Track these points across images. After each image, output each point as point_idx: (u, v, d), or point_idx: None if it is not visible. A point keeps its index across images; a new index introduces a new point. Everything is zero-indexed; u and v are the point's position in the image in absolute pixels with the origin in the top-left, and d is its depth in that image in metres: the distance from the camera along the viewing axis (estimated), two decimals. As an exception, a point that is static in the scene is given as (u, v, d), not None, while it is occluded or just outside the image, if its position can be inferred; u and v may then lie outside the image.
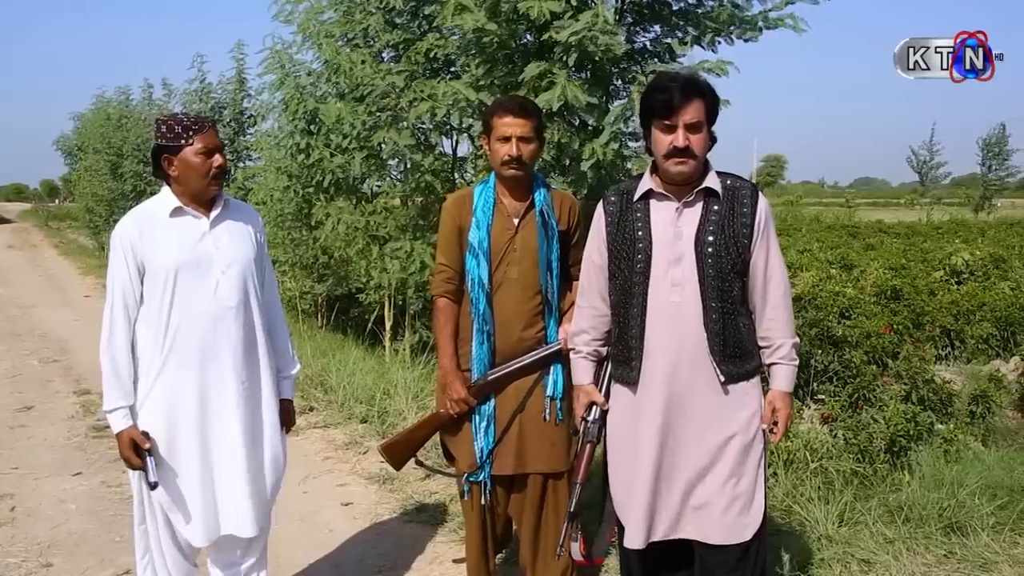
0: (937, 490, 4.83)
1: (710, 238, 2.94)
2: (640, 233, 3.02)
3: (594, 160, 5.55)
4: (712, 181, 2.98)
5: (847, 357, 8.18)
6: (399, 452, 3.83)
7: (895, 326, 9.99)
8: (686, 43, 5.98)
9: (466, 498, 3.67)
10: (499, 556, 3.97)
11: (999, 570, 4.18)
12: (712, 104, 2.94)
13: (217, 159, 3.17)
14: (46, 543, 4.76)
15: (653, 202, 3.04)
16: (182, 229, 3.20)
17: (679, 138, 2.86)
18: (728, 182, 3.02)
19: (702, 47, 6.23)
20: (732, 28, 6.16)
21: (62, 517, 5.13)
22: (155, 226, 3.18)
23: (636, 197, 3.05)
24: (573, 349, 3.32)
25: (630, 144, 6.18)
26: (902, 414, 5.95)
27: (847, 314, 10.02)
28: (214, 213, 3.24)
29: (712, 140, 2.97)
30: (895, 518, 4.63)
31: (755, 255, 3.00)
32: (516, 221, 3.54)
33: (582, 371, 3.30)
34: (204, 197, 3.22)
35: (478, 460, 3.58)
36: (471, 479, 3.62)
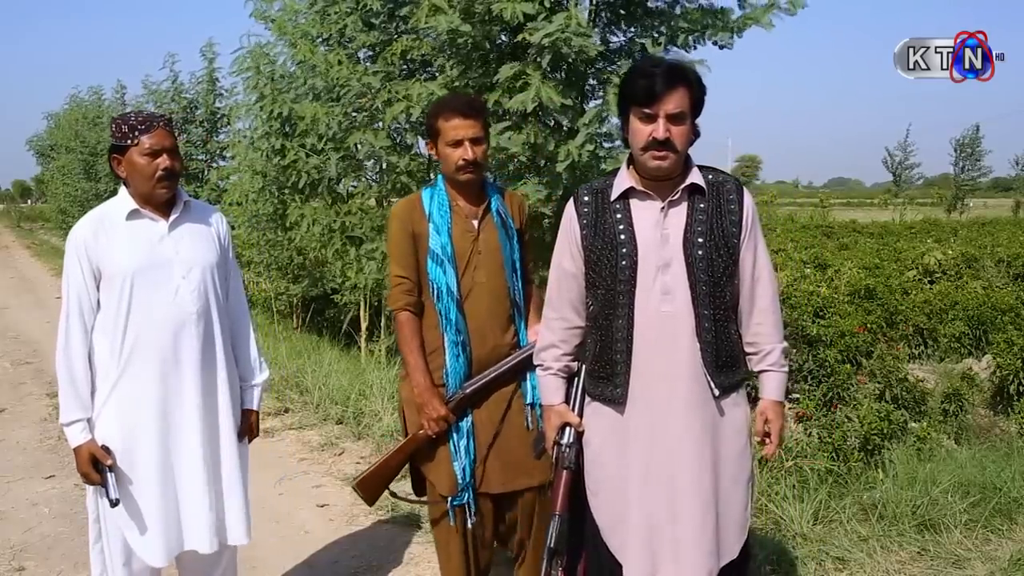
0: (910, 488, 4.87)
1: (699, 239, 2.69)
2: (623, 237, 2.73)
3: (569, 161, 5.55)
4: (696, 177, 2.73)
5: (821, 356, 8.23)
6: (374, 486, 3.58)
7: (869, 325, 10.04)
8: (660, 44, 5.99)
9: (451, 523, 3.38)
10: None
11: (971, 567, 4.22)
12: (698, 94, 2.68)
13: (163, 161, 3.00)
14: (19, 547, 4.71)
15: (634, 202, 2.76)
16: (139, 232, 3.06)
17: (659, 129, 2.60)
18: (711, 177, 2.77)
19: (676, 47, 6.25)
20: (706, 29, 6.18)
21: (35, 520, 5.08)
22: (111, 229, 3.04)
23: (614, 196, 2.77)
24: (540, 365, 3.02)
25: (605, 145, 6.18)
26: (876, 413, 6.00)
27: (821, 313, 10.06)
28: (173, 215, 3.11)
29: (695, 134, 2.73)
30: (869, 516, 4.67)
31: (743, 255, 2.76)
32: (476, 223, 3.35)
33: (552, 390, 2.98)
34: (154, 200, 3.07)
35: (460, 481, 3.32)
36: (455, 503, 3.35)
